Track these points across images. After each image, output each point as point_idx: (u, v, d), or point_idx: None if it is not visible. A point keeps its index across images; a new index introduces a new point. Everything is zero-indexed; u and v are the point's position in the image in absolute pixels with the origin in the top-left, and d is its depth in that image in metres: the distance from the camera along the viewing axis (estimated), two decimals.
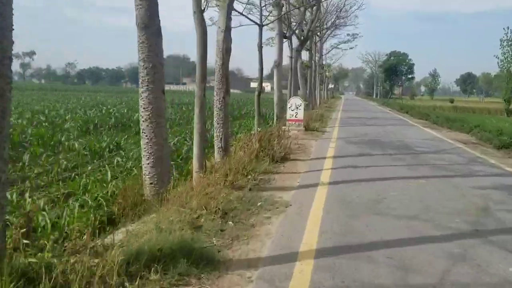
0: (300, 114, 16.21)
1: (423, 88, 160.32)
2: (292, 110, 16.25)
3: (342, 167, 8.96)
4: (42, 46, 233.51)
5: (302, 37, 22.97)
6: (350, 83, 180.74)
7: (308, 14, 24.31)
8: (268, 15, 14.20)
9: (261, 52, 13.53)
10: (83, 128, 14.44)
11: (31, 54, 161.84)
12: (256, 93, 13.66)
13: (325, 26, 35.21)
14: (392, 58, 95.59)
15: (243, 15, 13.17)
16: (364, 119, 25.10)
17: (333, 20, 36.32)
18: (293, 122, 16.23)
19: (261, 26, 13.54)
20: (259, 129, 13.44)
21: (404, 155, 10.88)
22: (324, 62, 50.46)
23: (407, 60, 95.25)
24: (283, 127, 16.42)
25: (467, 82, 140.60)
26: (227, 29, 8.84)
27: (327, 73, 59.86)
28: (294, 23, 20.91)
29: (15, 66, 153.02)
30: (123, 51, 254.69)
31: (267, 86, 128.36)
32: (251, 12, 13.84)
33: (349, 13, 36.94)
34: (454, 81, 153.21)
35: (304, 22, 24.28)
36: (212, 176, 7.25)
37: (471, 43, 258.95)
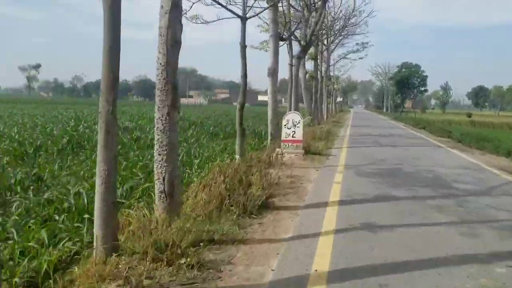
0: (299, 134, 12.84)
1: (433, 101, 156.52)
2: (288, 129, 12.89)
3: (352, 228, 5.53)
4: (49, 59, 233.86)
5: (304, 42, 19.68)
6: (359, 96, 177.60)
7: (312, 16, 21.07)
8: (253, 4, 10.91)
9: (245, 52, 10.23)
10: (17, 152, 11.18)
11: (37, 67, 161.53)
12: (238, 106, 10.35)
13: (332, 33, 31.96)
14: (403, 70, 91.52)
15: (220, 3, 9.93)
16: (377, 136, 21.61)
17: (340, 26, 33.15)
18: (290, 144, 12.87)
19: (244, 19, 10.25)
20: (237, 158, 10.12)
21: (444, 198, 7.41)
22: (331, 74, 47.19)
23: (419, 72, 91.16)
24: (277, 149, 13.09)
25: (479, 95, 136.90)
26: (175, 8, 5.62)
27: (335, 86, 56.58)
28: (295, 23, 17.56)
29: (22, 79, 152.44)
30: (130, 64, 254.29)
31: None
32: (232, 2, 10.58)
33: (358, 20, 33.92)
34: (466, 95, 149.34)
35: (307, 24, 21.07)
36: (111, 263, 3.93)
37: (482, 57, 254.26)
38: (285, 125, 12.94)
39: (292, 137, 12.86)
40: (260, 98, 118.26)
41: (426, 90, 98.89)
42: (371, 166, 11.11)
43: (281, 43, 16.13)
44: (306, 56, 27.30)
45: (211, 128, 21.49)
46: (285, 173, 9.62)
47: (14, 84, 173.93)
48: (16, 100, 70.18)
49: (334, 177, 9.35)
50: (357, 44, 40.61)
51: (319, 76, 32.14)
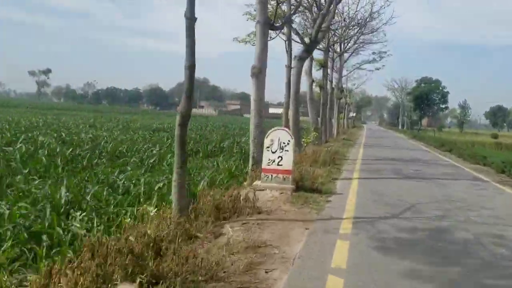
0: (288, 160, 8.63)
1: (448, 119, 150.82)
2: (272, 152, 8.69)
3: None
4: (61, 65, 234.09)
5: (309, 40, 15.55)
6: (372, 112, 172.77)
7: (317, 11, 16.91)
8: None
9: (193, 29, 6.07)
10: None
11: (47, 72, 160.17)
12: (178, 119, 6.17)
13: (346, 37, 27.84)
14: (423, 85, 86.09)
15: None
16: (397, 161, 17.20)
17: (355, 32, 29.05)
18: (274, 175, 8.66)
19: None
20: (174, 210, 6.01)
21: None
22: (344, 86, 42.90)
23: (440, 88, 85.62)
24: (256, 182, 8.92)
25: (497, 115, 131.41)
26: None
27: (347, 99, 52.28)
28: (292, 6, 13.36)
29: (33, 84, 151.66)
30: (142, 73, 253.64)
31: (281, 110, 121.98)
32: None
33: (375, 27, 29.75)
34: (483, 114, 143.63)
35: (312, 16, 17.01)
36: None
37: (501, 76, 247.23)
38: (268, 147, 8.74)
39: (278, 164, 8.66)
40: (272, 110, 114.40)
41: (447, 108, 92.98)
42: (398, 222, 6.81)
43: (273, 35, 12.06)
44: (314, 62, 23.23)
45: (190, 144, 17.35)
46: (247, 237, 5.43)
47: (28, 89, 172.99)
48: (21, 104, 67.89)
49: (333, 251, 5.10)
50: (373, 53, 36.43)
51: (328, 87, 27.91)
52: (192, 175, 10.19)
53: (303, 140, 18.67)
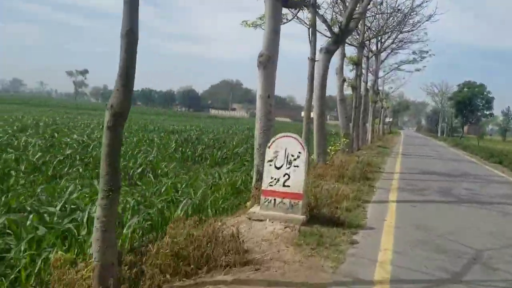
0: (297, 180, 6.14)
1: (489, 127, 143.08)
2: (276, 168, 6.24)
3: None
4: (99, 66, 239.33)
5: (338, 29, 12.99)
6: (409, 118, 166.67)
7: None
8: None
9: None
10: None
11: (84, 72, 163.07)
12: (107, 121, 3.81)
13: (384, 31, 25.00)
14: (465, 89, 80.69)
15: None
16: (443, 177, 14.23)
17: (395, 23, 26.06)
18: (277, 199, 6.21)
19: None
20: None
21: None
22: (380, 88, 39.74)
23: (484, 93, 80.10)
24: (252, 209, 6.50)
25: None
26: None
27: (384, 103, 48.95)
28: None
29: (71, 84, 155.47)
30: (176, 75, 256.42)
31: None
32: None
33: (415, 25, 26.63)
34: None
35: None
36: None
37: None
38: (270, 160, 6.29)
39: (284, 185, 6.20)
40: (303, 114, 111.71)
41: (491, 114, 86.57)
42: None
43: (289, 14, 9.58)
44: (346, 60, 20.54)
45: (199, 149, 15.14)
46: None
47: (68, 89, 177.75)
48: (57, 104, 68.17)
49: None
50: (413, 52, 33.13)
51: (362, 88, 25.08)
52: (178, 192, 7.89)
53: (330, 147, 16.07)
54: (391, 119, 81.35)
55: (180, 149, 14.81)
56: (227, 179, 9.67)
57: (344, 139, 17.48)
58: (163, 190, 7.65)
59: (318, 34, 12.92)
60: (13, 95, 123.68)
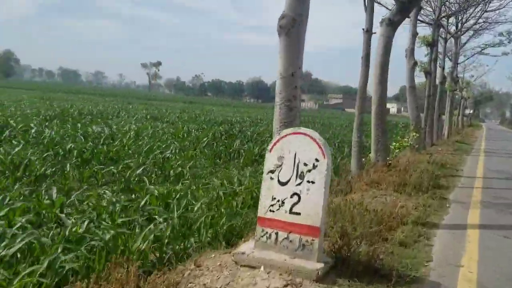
0: (313, 204, 3.73)
1: None
2: (280, 184, 3.87)
3: None
4: (173, 58, 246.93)
5: None
6: (492, 109, 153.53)
7: None
8: None
9: None
10: None
11: (157, 64, 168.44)
12: None
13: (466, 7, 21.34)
14: None
15: None
16: None
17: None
18: (280, 233, 3.86)
19: None
20: None
21: None
22: (460, 76, 35.20)
23: None
24: (249, 246, 4.18)
25: None
26: None
27: (464, 93, 43.84)
28: None
29: (145, 76, 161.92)
30: (245, 66, 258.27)
31: (392, 107, 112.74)
32: None
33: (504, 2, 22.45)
34: None
35: None
36: None
37: None
38: (271, 171, 3.96)
39: (291, 212, 3.82)
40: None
41: None
42: None
43: None
44: (417, 41, 17.41)
45: (235, 144, 13.08)
46: None
47: (145, 81, 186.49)
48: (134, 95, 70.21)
49: None
50: (500, 34, 28.50)
51: (438, 74, 21.58)
52: (169, 206, 5.82)
53: (394, 144, 13.27)
54: (471, 111, 74.32)
55: (213, 143, 12.82)
56: (250, 183, 7.43)
57: (414, 134, 14.52)
58: (142, 203, 5.57)
59: (376, 6, 10.26)
60: (96, 87, 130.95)
